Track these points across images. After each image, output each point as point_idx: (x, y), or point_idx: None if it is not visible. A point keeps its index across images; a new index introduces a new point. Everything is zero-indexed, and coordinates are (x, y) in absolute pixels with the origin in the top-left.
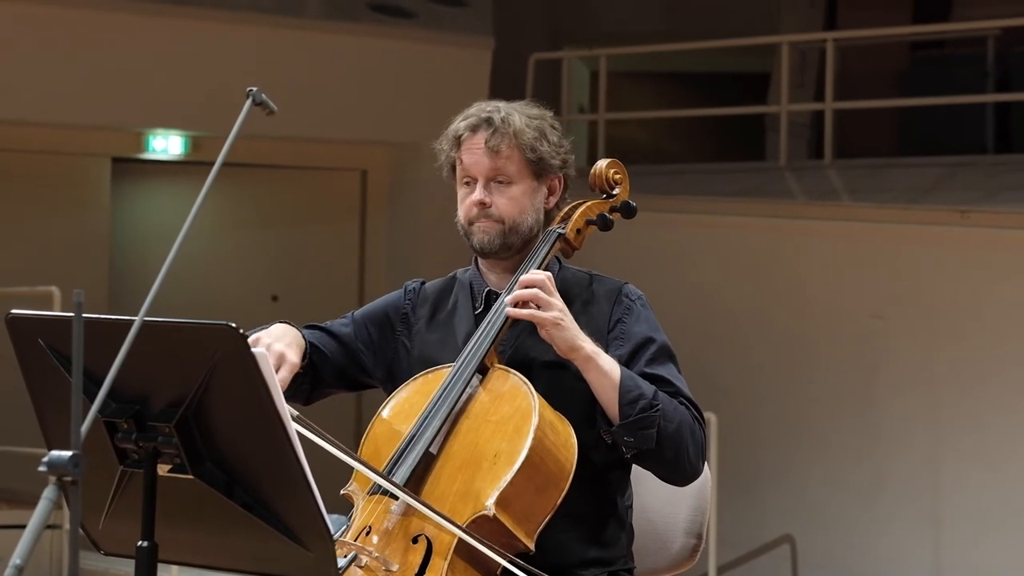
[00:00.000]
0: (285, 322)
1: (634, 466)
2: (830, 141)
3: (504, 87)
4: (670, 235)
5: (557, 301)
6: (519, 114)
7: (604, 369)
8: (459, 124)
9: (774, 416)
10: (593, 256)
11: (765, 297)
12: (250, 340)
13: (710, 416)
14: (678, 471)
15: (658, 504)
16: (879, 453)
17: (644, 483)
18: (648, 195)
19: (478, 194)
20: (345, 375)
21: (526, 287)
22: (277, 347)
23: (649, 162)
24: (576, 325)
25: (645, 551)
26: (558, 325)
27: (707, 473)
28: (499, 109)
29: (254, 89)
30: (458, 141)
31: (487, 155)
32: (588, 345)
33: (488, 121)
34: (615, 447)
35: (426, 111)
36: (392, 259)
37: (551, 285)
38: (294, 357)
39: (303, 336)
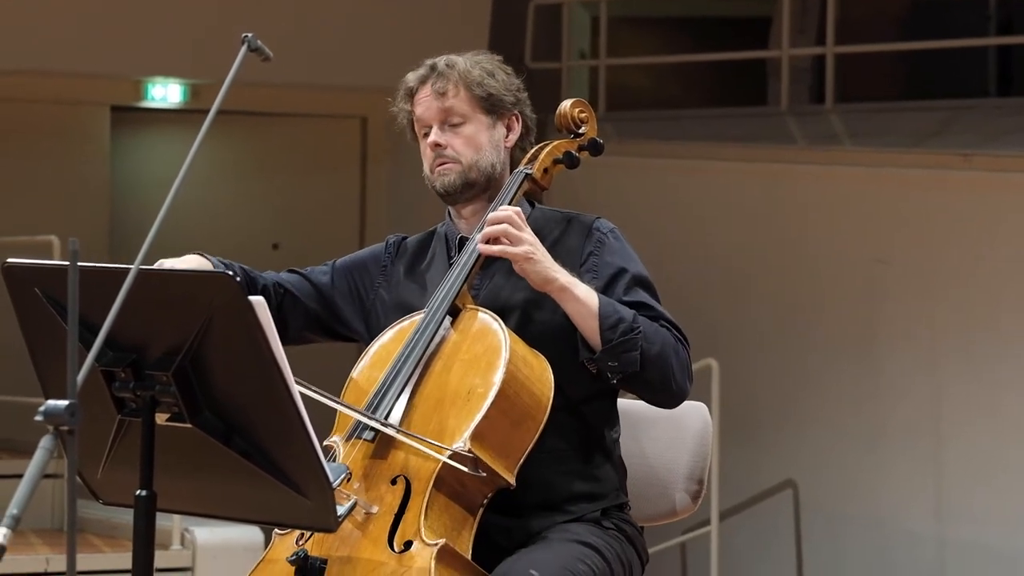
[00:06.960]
0: (200, 254)
1: (629, 408)
2: (831, 86)
3: (504, 33)
4: (671, 180)
5: (528, 235)
6: (464, 59)
7: (581, 298)
8: (408, 80)
9: (775, 362)
10: (591, 200)
11: (766, 242)
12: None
13: (711, 363)
14: (666, 392)
15: (659, 450)
16: (881, 398)
17: (645, 430)
18: (649, 140)
19: (433, 136)
20: (320, 321)
21: (495, 224)
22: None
23: (650, 107)
24: (549, 258)
25: (646, 498)
26: (530, 259)
27: (708, 419)
28: (443, 58)
29: (249, 35)
30: (410, 95)
31: (435, 99)
32: (563, 276)
33: (432, 67)
34: (596, 379)
35: (426, 56)
36: (393, 205)
37: (520, 220)
38: None
39: (220, 267)
